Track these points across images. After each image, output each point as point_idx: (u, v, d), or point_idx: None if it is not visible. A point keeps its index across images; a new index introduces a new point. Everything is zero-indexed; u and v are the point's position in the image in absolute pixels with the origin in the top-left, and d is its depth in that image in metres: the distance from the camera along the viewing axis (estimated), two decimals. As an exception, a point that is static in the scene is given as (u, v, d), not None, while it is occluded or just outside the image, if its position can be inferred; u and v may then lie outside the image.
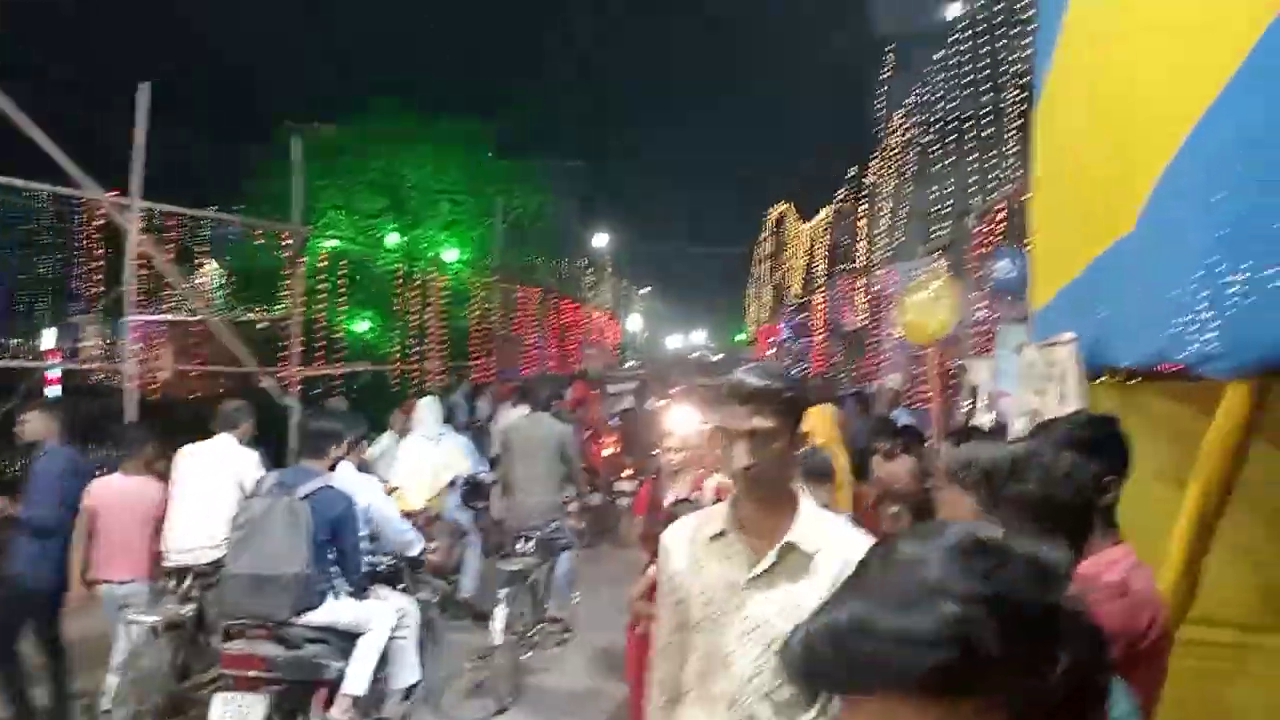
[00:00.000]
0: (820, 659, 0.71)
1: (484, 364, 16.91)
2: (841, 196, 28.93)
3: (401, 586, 5.03)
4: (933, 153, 18.62)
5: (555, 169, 30.97)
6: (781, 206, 39.82)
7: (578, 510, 7.03)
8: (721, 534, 1.99)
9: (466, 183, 23.68)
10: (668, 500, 4.11)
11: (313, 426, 4.59)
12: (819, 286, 26.50)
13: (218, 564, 4.80)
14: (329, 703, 4.28)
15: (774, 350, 34.73)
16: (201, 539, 5.12)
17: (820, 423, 5.75)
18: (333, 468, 4.48)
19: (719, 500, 2.24)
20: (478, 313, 18.17)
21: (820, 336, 24.88)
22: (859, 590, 0.73)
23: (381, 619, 4.44)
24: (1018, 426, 3.79)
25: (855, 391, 12.51)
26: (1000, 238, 9.39)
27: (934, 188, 18.01)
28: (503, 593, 5.87)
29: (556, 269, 29.87)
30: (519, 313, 19.94)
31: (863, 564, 0.76)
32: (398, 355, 16.36)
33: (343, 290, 19.52)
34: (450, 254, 22.37)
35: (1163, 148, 2.21)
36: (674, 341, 78.90)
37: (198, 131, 21.63)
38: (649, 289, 75.05)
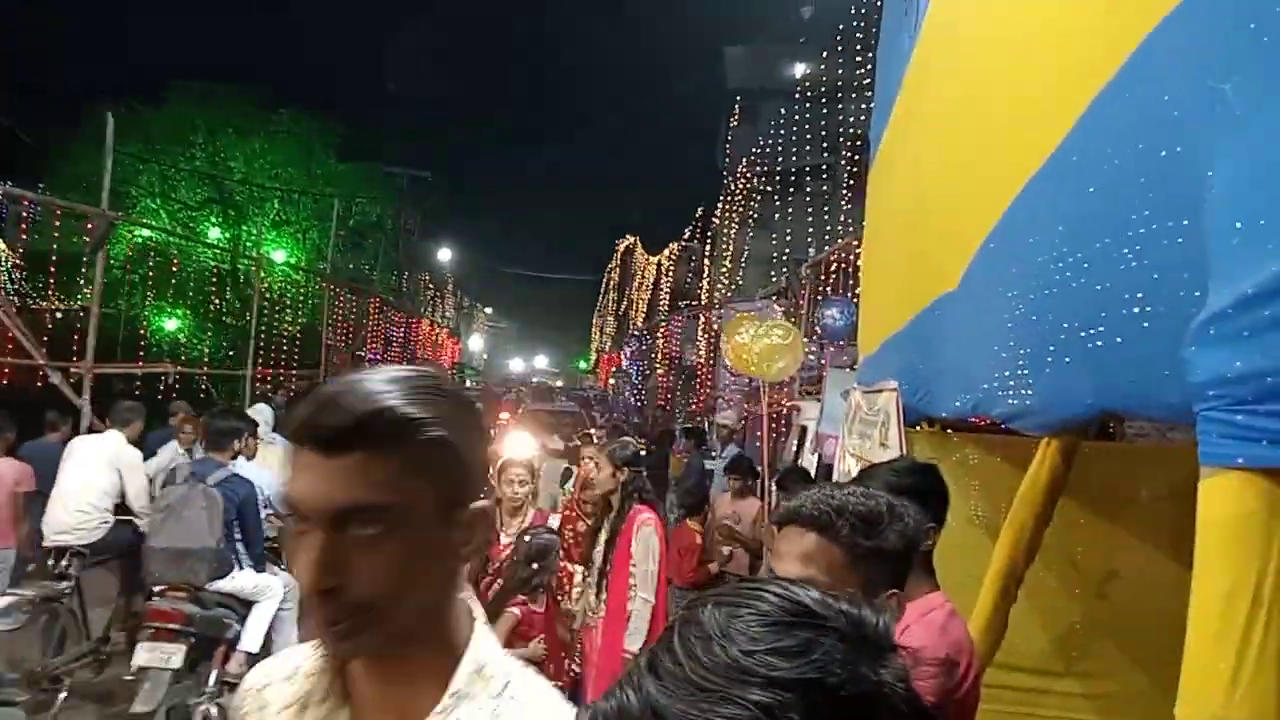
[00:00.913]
0: None
1: (308, 374, 16.02)
2: (688, 235, 29.44)
3: (284, 567, 5.70)
4: (774, 201, 19.38)
5: (401, 178, 29.94)
6: (630, 239, 40.10)
7: None
8: (306, 706, 1.05)
9: (302, 181, 22.40)
10: (506, 536, 3.87)
11: (218, 424, 5.23)
12: (662, 320, 27.00)
13: (93, 546, 5.65)
14: (226, 659, 5.00)
15: (615, 380, 34.34)
16: (78, 521, 5.65)
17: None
18: (234, 458, 5.19)
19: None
20: (304, 319, 17.17)
21: (661, 369, 24.89)
22: (656, 669, 0.63)
23: (275, 590, 5.17)
24: (842, 469, 3.92)
25: (689, 427, 12.73)
26: (831, 287, 9.85)
27: (773, 235, 18.76)
28: None
29: (395, 281, 28.74)
30: (349, 322, 19.05)
31: (666, 635, 0.66)
32: (208, 358, 15.22)
33: (152, 283, 18.05)
34: (278, 254, 21.07)
35: (987, 213, 2.33)
36: (516, 365, 77.20)
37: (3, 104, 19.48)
38: (492, 310, 73.47)
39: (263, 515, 5.34)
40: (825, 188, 18.08)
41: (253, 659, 4.99)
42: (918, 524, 1.56)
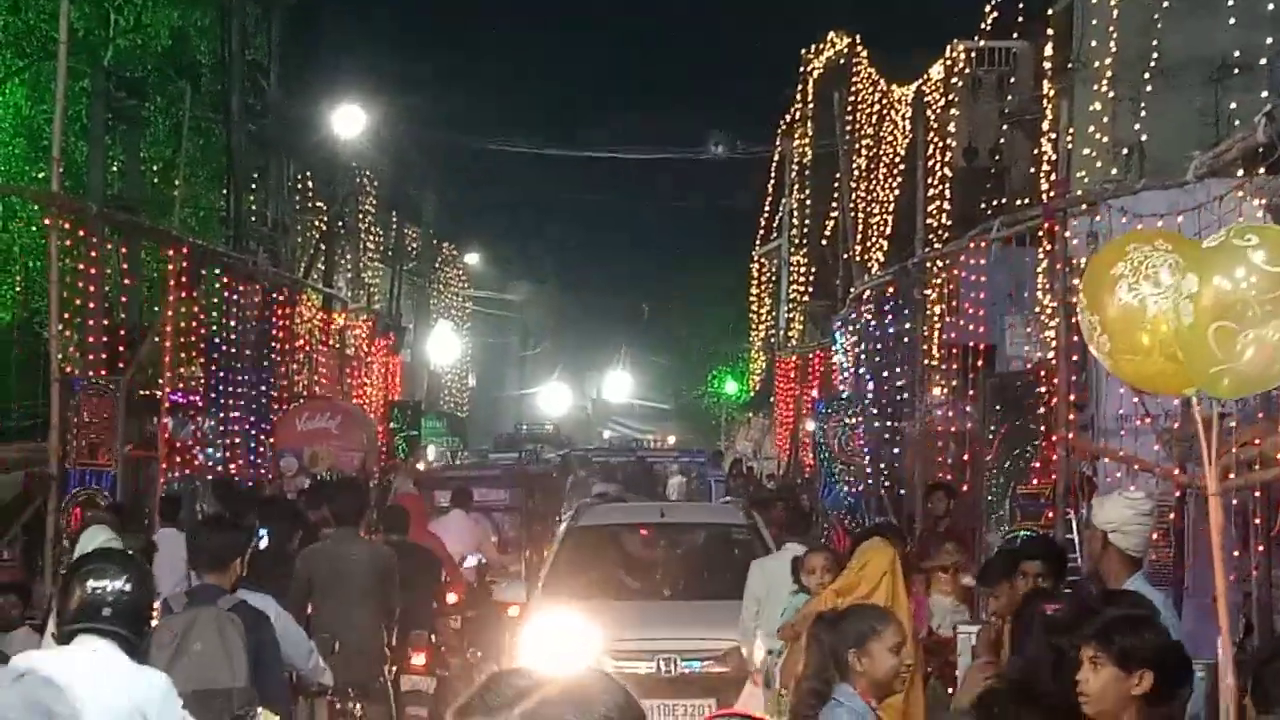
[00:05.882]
0: None
1: (20, 456, 6.88)
2: (989, 21, 11.30)
3: None
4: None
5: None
6: (837, 40, 18.05)
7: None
8: None
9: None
10: None
11: (213, 537, 4.19)
12: (938, 254, 9.76)
13: None
14: None
15: (821, 423, 12.11)
16: None
17: (876, 562, 4.26)
18: (234, 588, 4.01)
19: None
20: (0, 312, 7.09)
21: (941, 386, 9.69)
22: None
23: None
24: None
25: (1032, 536, 5.51)
26: None
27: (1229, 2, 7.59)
28: None
29: (227, 204, 13.29)
30: (117, 313, 8.18)
31: None
32: None
33: None
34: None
35: None
36: (552, 398, 34.27)
37: None
38: (481, 258, 32.30)
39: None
40: None
41: None
42: None
